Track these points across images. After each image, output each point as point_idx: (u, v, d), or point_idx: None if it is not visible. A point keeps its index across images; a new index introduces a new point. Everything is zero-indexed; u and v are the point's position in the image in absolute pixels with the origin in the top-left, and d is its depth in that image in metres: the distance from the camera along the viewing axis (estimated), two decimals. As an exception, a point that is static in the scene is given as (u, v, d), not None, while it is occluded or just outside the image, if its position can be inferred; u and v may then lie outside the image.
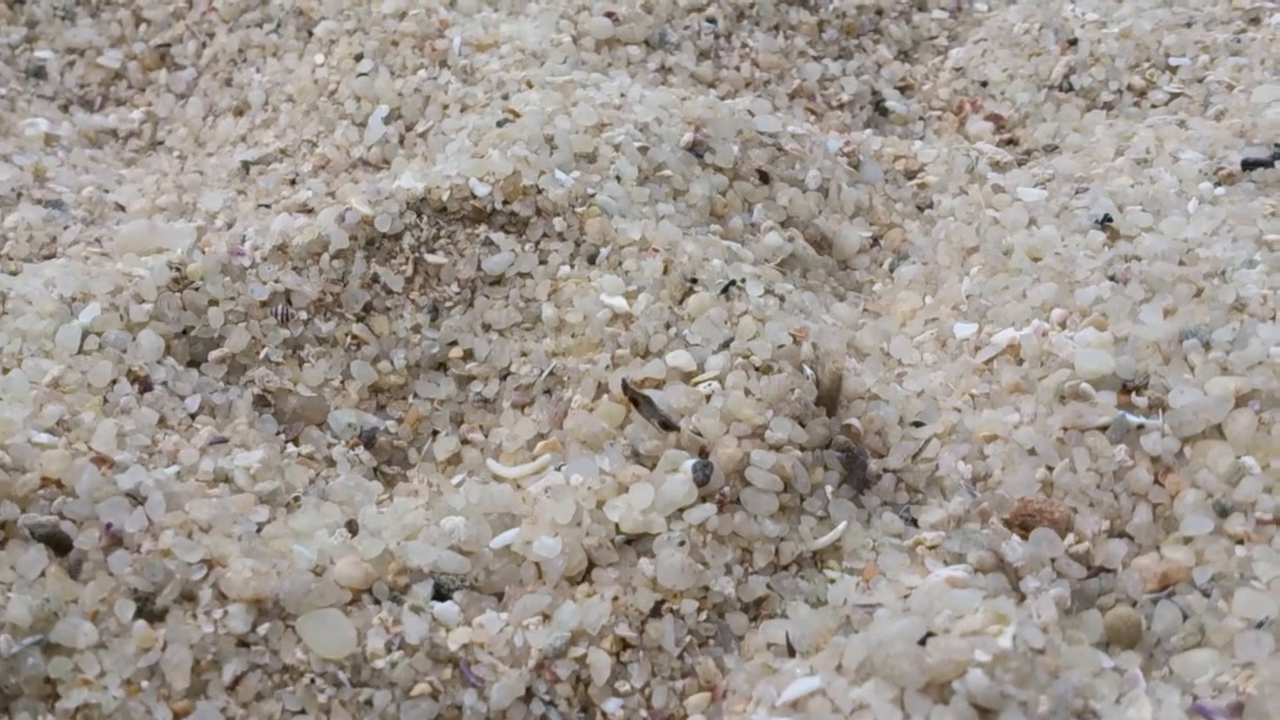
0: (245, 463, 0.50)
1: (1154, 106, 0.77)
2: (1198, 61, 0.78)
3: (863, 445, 0.52)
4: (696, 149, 0.66)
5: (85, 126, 0.80)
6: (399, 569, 0.46)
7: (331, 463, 0.54)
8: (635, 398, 0.51)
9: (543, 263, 0.59)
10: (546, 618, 0.46)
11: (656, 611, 0.46)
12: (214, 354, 0.56)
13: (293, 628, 0.42)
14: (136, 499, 0.44)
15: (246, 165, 0.75)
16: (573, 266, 0.59)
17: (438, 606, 0.45)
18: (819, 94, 0.81)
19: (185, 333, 0.56)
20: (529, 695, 0.44)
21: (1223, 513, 0.46)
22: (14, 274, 0.61)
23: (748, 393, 0.51)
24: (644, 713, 0.45)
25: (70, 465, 0.44)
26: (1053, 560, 0.47)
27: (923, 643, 0.40)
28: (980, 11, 0.90)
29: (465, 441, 0.56)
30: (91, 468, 0.44)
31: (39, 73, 0.83)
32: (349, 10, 0.79)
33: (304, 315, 0.58)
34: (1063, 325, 0.55)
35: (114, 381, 0.52)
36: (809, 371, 0.52)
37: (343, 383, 0.57)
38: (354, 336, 0.58)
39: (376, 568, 0.45)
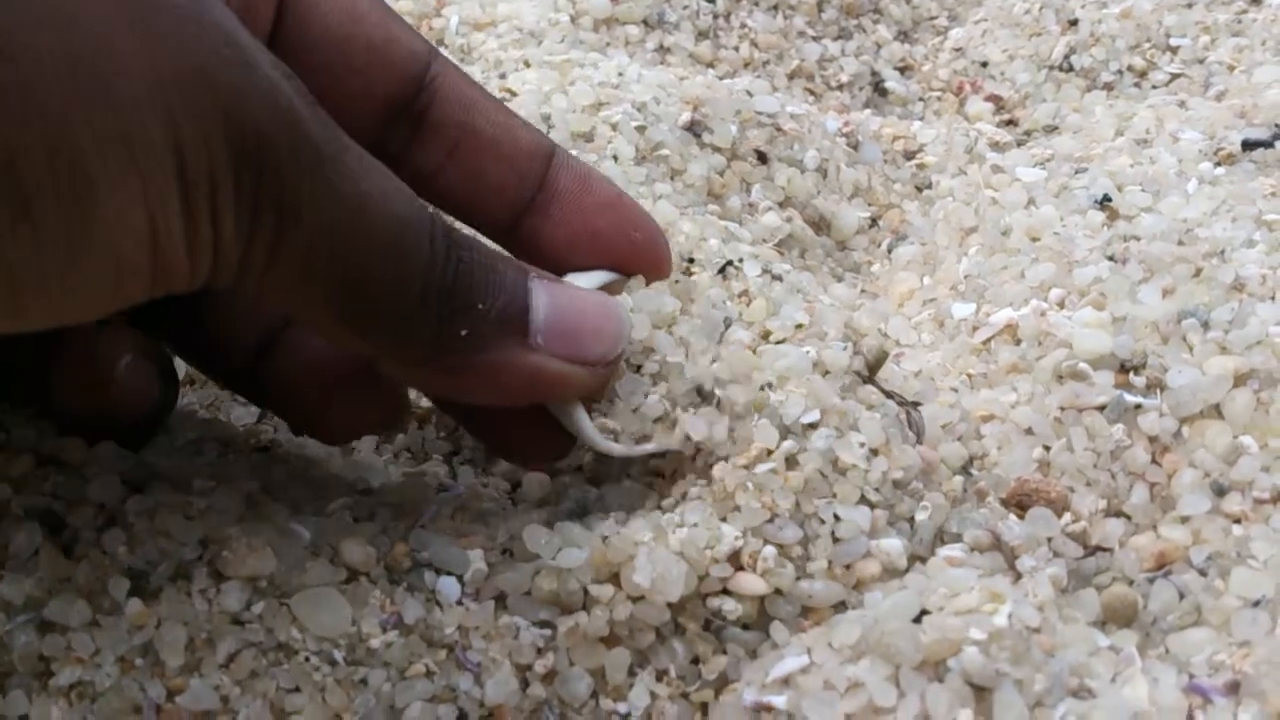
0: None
1: (1154, 87, 0.77)
2: (1198, 42, 0.78)
3: None
4: (694, 129, 0.66)
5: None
6: (398, 549, 0.45)
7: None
8: None
9: (540, 242, 0.59)
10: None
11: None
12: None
13: (288, 606, 0.42)
14: (132, 482, 0.44)
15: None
16: (570, 246, 0.58)
17: (436, 587, 0.45)
18: (818, 74, 0.81)
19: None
20: (525, 682, 0.44)
21: (1220, 492, 0.46)
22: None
23: None
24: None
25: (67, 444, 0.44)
26: (1049, 539, 0.47)
27: (918, 620, 0.40)
28: (981, -9, 0.89)
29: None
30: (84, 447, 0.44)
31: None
32: (346, -10, 0.79)
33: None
34: (1061, 305, 0.54)
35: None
36: (848, 345, 0.51)
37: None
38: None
39: (375, 546, 0.45)
